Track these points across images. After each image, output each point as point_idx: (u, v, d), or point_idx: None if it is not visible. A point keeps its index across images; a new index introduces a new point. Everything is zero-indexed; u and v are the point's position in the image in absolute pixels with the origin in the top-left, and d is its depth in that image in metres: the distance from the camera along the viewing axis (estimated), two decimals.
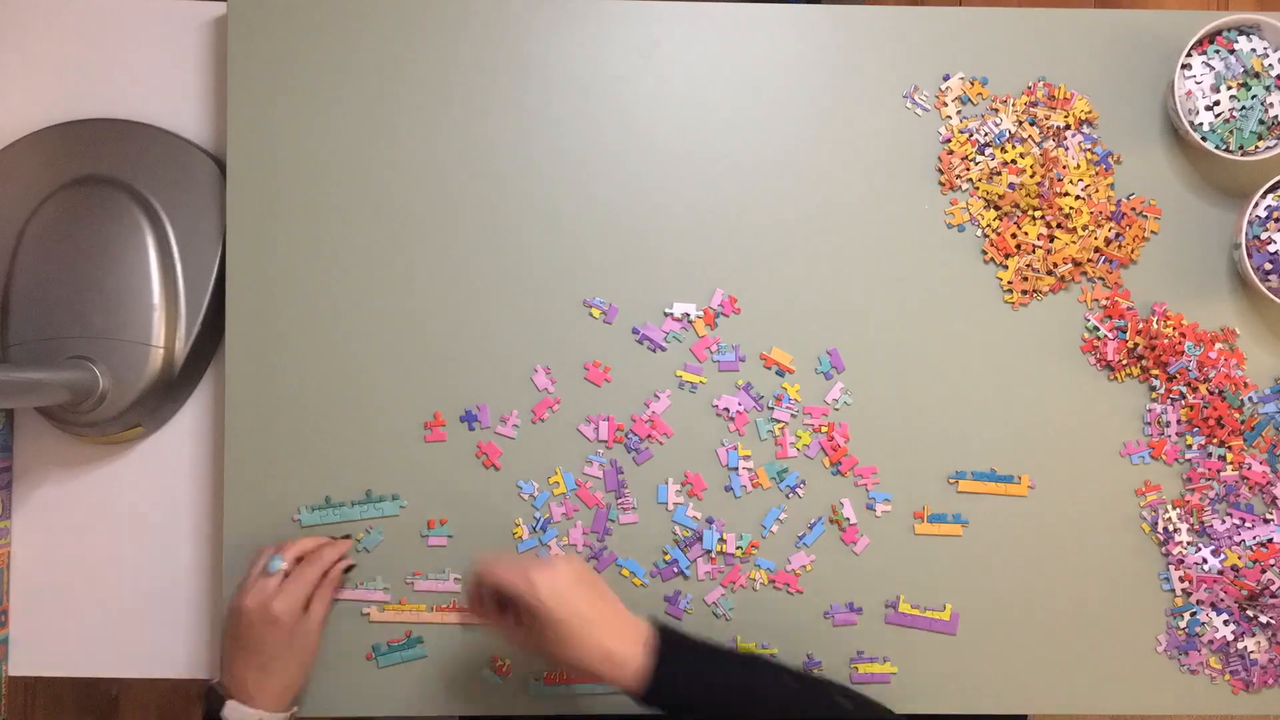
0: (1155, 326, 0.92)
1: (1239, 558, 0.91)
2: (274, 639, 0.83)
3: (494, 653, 0.92)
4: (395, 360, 0.93)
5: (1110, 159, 0.94)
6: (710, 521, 0.92)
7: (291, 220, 0.93)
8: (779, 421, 0.92)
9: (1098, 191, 0.93)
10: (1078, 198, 0.93)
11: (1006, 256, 0.93)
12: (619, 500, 0.92)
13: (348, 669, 0.92)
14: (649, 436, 0.92)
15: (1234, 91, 0.89)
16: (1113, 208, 0.93)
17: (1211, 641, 0.92)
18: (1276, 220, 0.89)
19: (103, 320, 0.90)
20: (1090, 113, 0.93)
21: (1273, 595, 0.90)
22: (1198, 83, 0.90)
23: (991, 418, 0.93)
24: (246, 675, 0.83)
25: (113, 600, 0.96)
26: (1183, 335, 0.92)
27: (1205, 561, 0.91)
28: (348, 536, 0.91)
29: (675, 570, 0.92)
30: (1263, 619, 0.91)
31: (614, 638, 0.76)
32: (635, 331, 0.92)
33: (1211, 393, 0.92)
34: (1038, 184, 0.92)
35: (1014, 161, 0.93)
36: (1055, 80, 0.94)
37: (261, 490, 0.92)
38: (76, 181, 0.92)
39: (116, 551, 0.96)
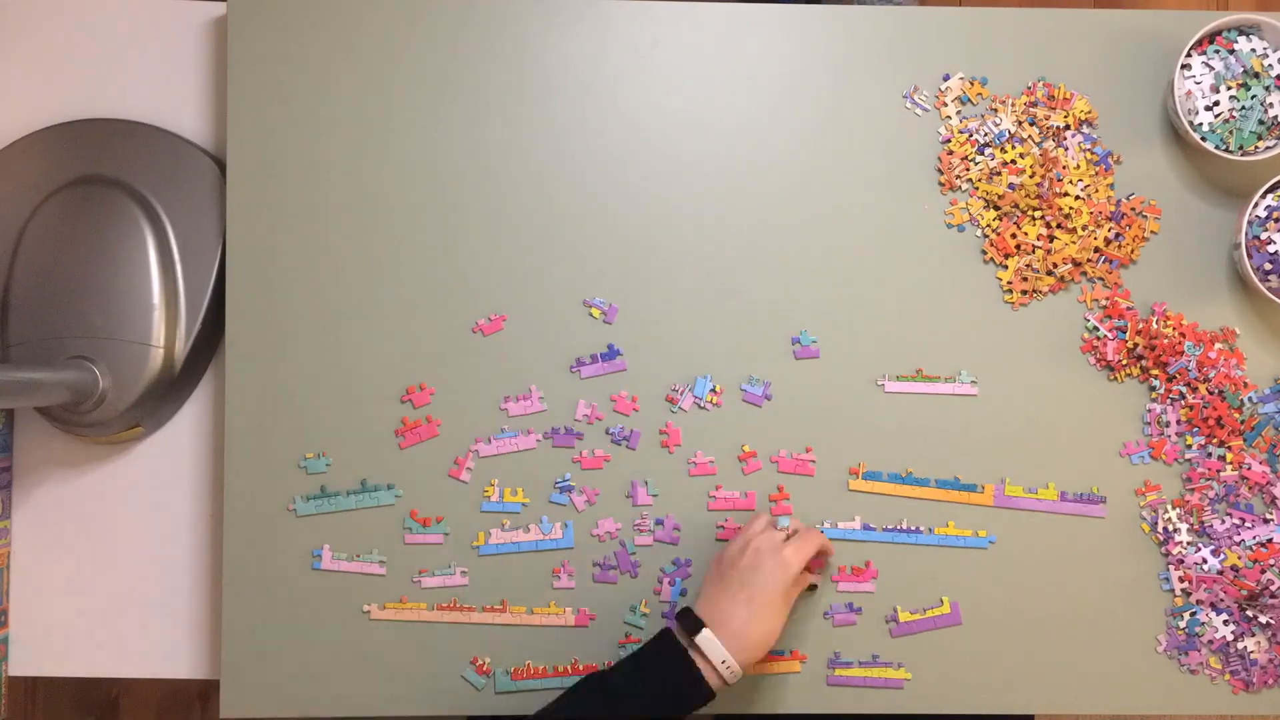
0: (1155, 326, 0.92)
1: (1239, 558, 0.91)
2: (775, 581, 0.80)
3: (474, 654, 0.92)
4: (395, 359, 0.93)
5: (1110, 159, 0.94)
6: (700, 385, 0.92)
7: (291, 220, 0.93)
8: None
9: (1097, 191, 0.93)
10: (1077, 198, 0.93)
11: (1006, 256, 0.93)
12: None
13: (346, 669, 0.92)
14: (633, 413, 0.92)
15: (1234, 91, 0.89)
16: (1112, 208, 0.93)
17: (1211, 641, 0.92)
18: (1276, 220, 0.89)
19: (103, 320, 0.90)
20: (1090, 113, 0.93)
21: (1273, 595, 0.90)
22: (1197, 83, 0.90)
23: (991, 418, 0.93)
24: (733, 610, 0.79)
25: (113, 600, 0.96)
26: (1182, 335, 0.92)
27: (1205, 561, 0.91)
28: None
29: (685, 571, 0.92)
30: (1263, 619, 0.91)
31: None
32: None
33: (1211, 393, 0.92)
34: (1037, 184, 0.92)
35: (1014, 162, 0.93)
36: (1055, 80, 0.94)
37: (261, 490, 0.92)
38: (76, 181, 0.92)
39: (116, 551, 0.96)
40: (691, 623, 0.80)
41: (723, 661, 0.78)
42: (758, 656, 0.80)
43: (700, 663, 0.79)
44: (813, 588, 0.91)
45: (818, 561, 0.90)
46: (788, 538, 0.84)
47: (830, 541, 0.89)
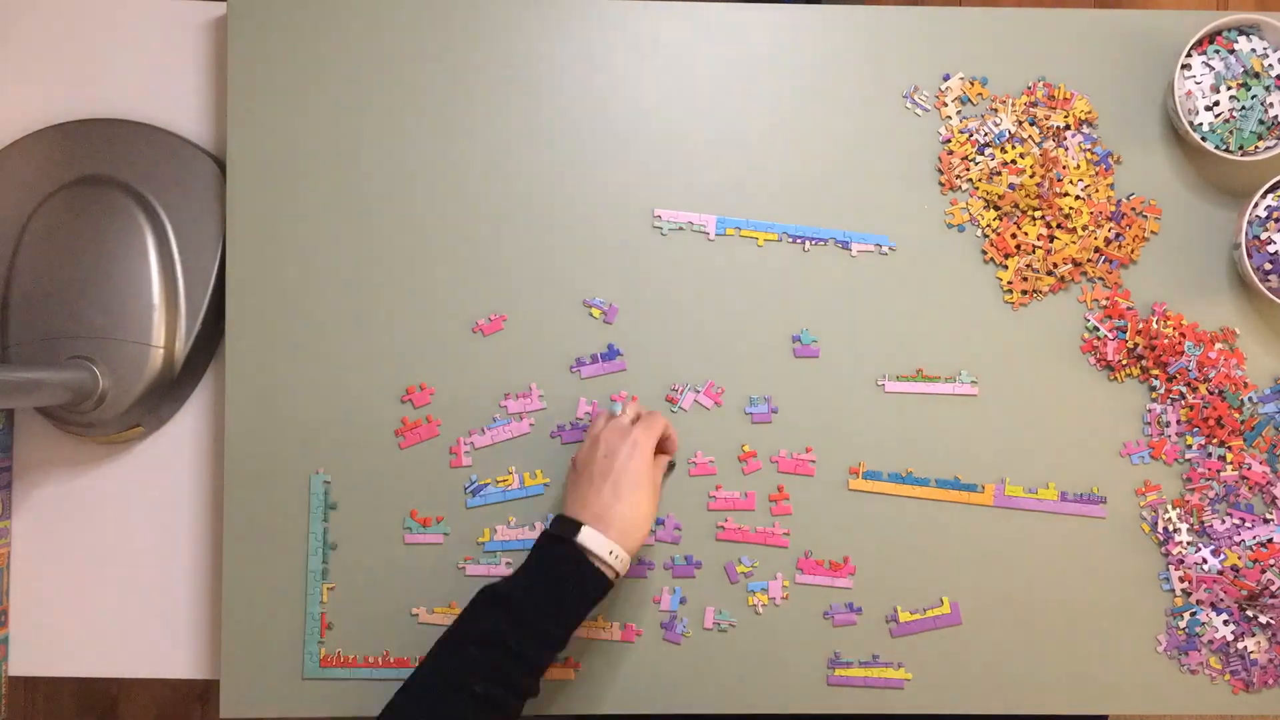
0: (1155, 326, 0.92)
1: (1239, 558, 0.91)
2: (635, 466, 0.81)
3: None
4: (395, 359, 0.93)
5: (1110, 159, 0.94)
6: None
7: (291, 220, 0.93)
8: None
9: (1098, 191, 0.93)
10: (1078, 198, 0.93)
11: (1006, 256, 0.93)
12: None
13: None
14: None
15: (1234, 92, 0.89)
16: (1113, 208, 0.93)
17: (1211, 641, 0.92)
18: (1276, 220, 0.89)
19: (103, 320, 0.90)
20: (1090, 113, 0.93)
21: (1272, 595, 0.90)
22: (1197, 83, 0.90)
23: (991, 418, 0.93)
24: (600, 502, 0.80)
25: (113, 600, 0.96)
26: (1183, 335, 0.92)
27: (1205, 561, 0.91)
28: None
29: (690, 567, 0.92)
30: (1263, 619, 0.91)
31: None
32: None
33: (1211, 393, 0.92)
34: (1037, 184, 0.92)
35: (1014, 161, 0.93)
36: (1055, 80, 0.94)
37: (261, 490, 0.92)
38: (76, 181, 0.92)
39: (116, 551, 0.96)
40: (569, 527, 0.79)
41: (610, 552, 0.79)
42: (641, 538, 0.81)
43: (589, 558, 0.79)
44: (671, 465, 0.92)
45: (670, 445, 0.90)
46: (631, 422, 0.85)
47: (670, 424, 0.89)
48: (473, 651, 0.77)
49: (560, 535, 0.79)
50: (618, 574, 0.80)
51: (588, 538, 0.78)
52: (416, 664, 0.81)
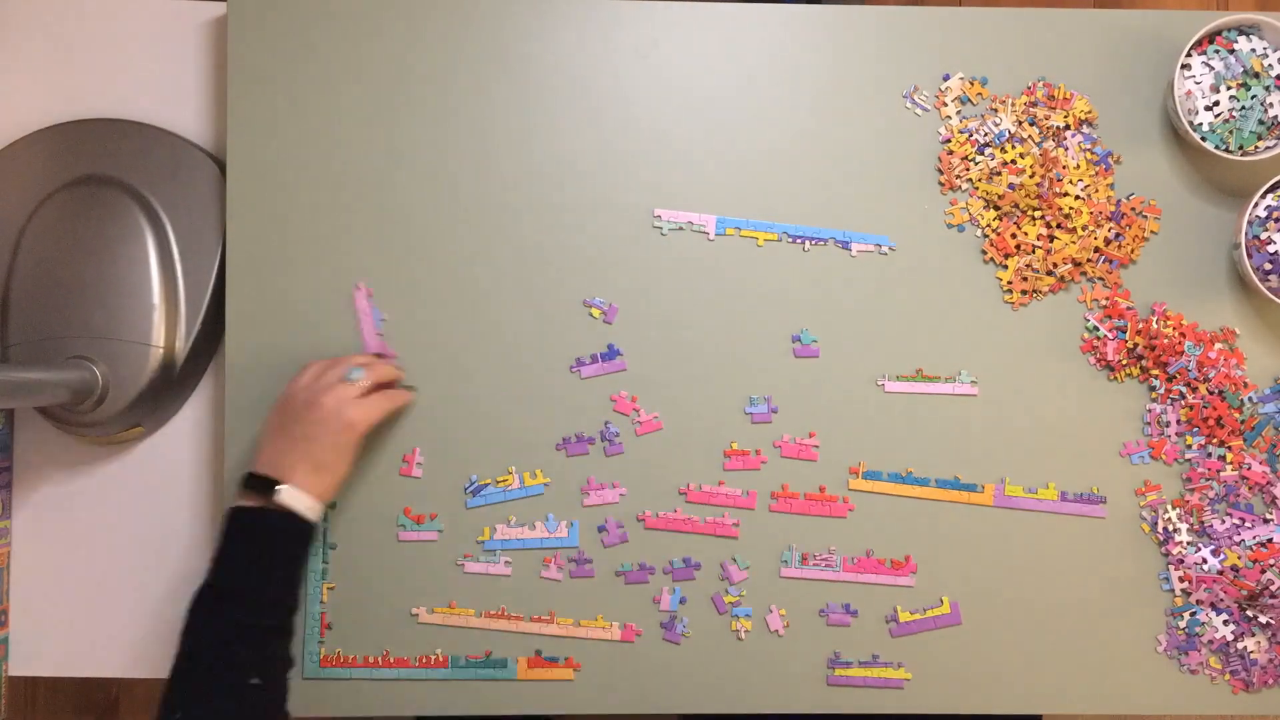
0: (1155, 326, 0.92)
1: (1239, 558, 0.91)
2: (340, 442, 0.83)
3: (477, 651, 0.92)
4: (395, 359, 0.92)
5: (1110, 159, 0.94)
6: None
7: (291, 220, 0.93)
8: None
9: (1097, 191, 0.93)
10: (1077, 198, 0.93)
11: (1006, 256, 0.93)
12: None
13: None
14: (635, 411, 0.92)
15: (1234, 92, 0.89)
16: (1112, 208, 0.93)
17: (1211, 641, 0.92)
18: (1276, 220, 0.89)
19: (103, 320, 0.90)
20: (1090, 113, 0.93)
21: (1272, 595, 0.90)
22: (1197, 83, 0.90)
23: (991, 418, 0.93)
24: (297, 466, 0.82)
25: (113, 600, 0.96)
26: (1182, 335, 0.92)
27: (1205, 561, 0.91)
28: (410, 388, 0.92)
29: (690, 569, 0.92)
30: (1262, 619, 0.91)
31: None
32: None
33: (1211, 393, 0.92)
34: (1037, 184, 0.92)
35: (1014, 161, 0.93)
36: (1055, 80, 0.94)
37: None
38: (76, 181, 0.92)
39: (116, 551, 0.96)
40: (263, 484, 0.82)
41: (308, 507, 0.82)
42: (331, 497, 0.85)
43: (287, 509, 0.82)
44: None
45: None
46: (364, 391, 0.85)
47: (408, 395, 0.91)
48: (234, 650, 0.80)
49: (251, 499, 0.82)
50: (313, 519, 0.83)
51: (288, 496, 0.81)
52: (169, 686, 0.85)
